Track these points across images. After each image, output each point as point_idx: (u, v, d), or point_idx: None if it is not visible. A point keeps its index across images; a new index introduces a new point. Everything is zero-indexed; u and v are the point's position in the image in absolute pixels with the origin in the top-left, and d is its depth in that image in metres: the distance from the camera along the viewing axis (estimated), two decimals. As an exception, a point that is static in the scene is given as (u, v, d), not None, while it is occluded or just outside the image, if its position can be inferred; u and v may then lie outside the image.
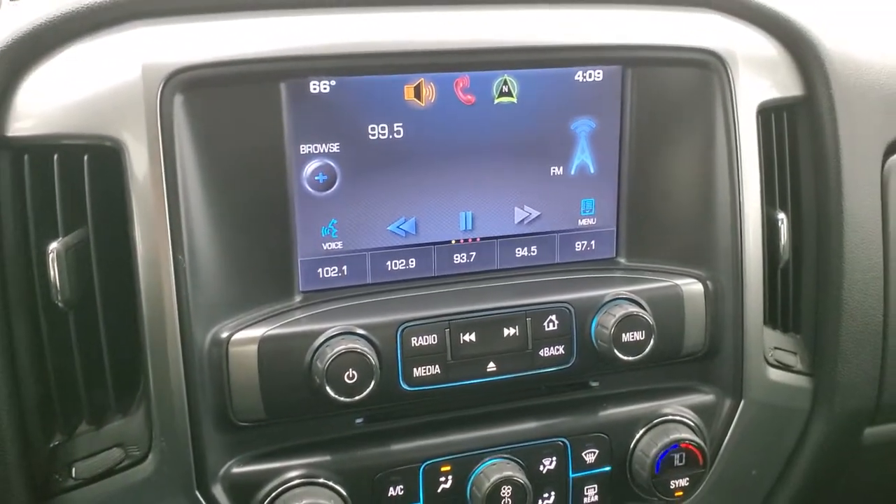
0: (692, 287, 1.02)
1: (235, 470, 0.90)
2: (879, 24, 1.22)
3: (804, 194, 1.10)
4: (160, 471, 0.86)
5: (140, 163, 0.83)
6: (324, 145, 0.92)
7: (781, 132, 1.08)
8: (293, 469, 0.91)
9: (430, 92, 0.94)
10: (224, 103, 0.87)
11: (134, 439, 0.87)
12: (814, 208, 1.10)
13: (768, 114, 1.06)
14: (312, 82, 0.90)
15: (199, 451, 0.87)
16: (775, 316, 1.12)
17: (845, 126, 1.06)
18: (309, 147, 0.92)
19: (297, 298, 0.95)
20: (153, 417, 0.85)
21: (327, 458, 0.92)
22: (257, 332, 0.87)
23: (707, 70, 1.01)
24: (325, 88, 0.90)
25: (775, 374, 1.09)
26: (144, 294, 0.83)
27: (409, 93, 0.94)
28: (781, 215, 1.07)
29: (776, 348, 1.10)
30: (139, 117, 0.82)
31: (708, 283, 1.03)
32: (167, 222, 0.83)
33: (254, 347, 0.87)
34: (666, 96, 1.02)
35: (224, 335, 0.87)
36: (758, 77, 1.04)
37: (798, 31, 1.07)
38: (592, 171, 1.03)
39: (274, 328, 0.88)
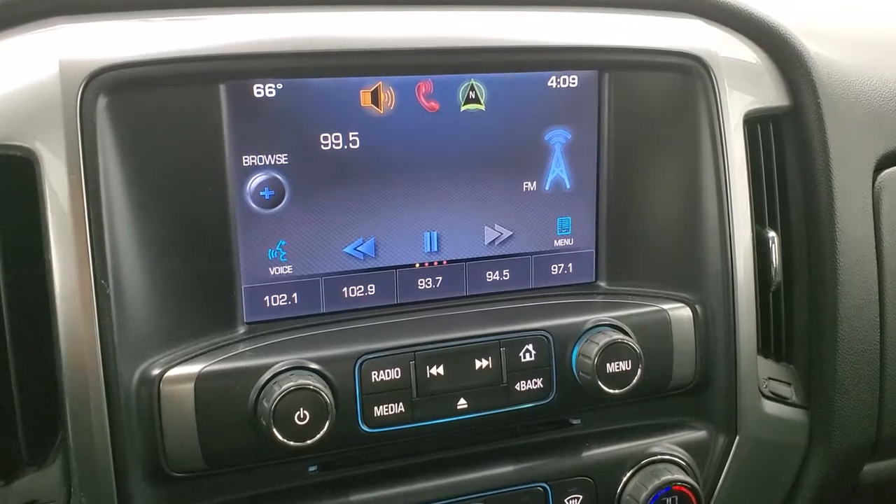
0: (680, 312, 0.95)
1: (170, 529, 0.80)
2: (865, 34, 1.17)
3: (793, 211, 1.05)
4: (80, 532, 0.77)
5: (57, 175, 0.74)
6: (270, 156, 0.84)
7: (768, 144, 1.03)
8: (237, 526, 0.81)
9: (389, 98, 0.86)
10: (155, 108, 0.78)
11: (49, 495, 0.78)
12: (803, 227, 1.04)
13: (753, 124, 1.00)
14: (256, 85, 0.82)
15: (125, 507, 0.78)
16: (767, 344, 1.05)
17: (834, 139, 1.01)
18: (253, 158, 0.83)
19: (241, 330, 0.86)
20: (72, 469, 0.76)
21: (277, 512, 0.83)
22: (194, 368, 0.79)
23: (690, 76, 0.95)
24: (270, 92, 0.82)
25: (771, 407, 1.01)
26: (62, 326, 0.74)
27: (365, 98, 0.86)
28: (772, 234, 1.00)
29: (770, 379, 1.02)
30: (56, 123, 0.74)
31: (697, 307, 0.96)
32: (88, 243, 0.74)
33: (190, 386, 0.78)
34: (646, 105, 0.96)
35: (155, 372, 0.78)
36: (742, 85, 0.98)
37: (782, 39, 1.02)
38: (568, 186, 0.95)
39: (213, 363, 0.79)
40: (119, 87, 0.75)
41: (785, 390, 1.04)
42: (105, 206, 0.75)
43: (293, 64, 0.81)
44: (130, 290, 0.77)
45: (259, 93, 0.82)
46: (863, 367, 1.04)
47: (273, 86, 0.82)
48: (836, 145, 1.01)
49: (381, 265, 0.90)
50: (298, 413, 0.76)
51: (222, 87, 0.80)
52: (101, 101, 0.75)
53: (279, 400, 0.76)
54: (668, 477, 0.92)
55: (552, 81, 0.92)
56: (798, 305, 1.05)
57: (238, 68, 0.80)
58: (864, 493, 1.14)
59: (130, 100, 0.76)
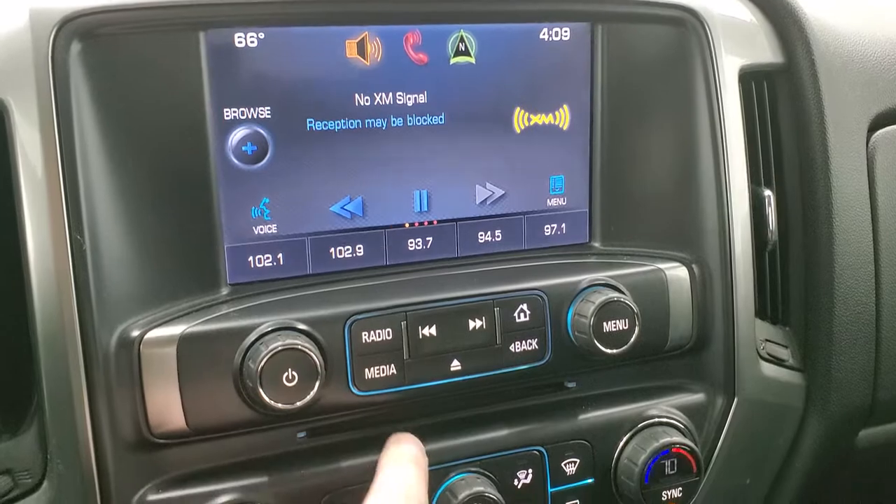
0: (676, 271, 0.92)
1: (152, 497, 0.77)
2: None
3: (787, 171, 1.03)
4: (57, 501, 0.73)
5: (28, 126, 0.71)
6: (252, 109, 0.80)
7: (762, 101, 1.01)
8: (224, 493, 0.78)
9: (375, 49, 0.83)
10: (131, 57, 0.75)
11: (25, 464, 0.75)
12: (798, 186, 1.02)
13: (748, 81, 0.99)
14: (237, 34, 0.78)
15: (105, 475, 0.74)
16: (764, 305, 1.03)
17: (829, 97, 0.99)
18: (234, 111, 0.80)
19: (224, 291, 0.83)
20: (48, 436, 0.73)
21: (264, 479, 0.79)
22: (176, 329, 0.75)
23: (684, 29, 0.92)
24: (252, 42, 0.79)
25: (768, 369, 0.99)
26: (36, 283, 0.71)
27: (351, 49, 0.82)
28: (767, 192, 0.98)
29: (767, 341, 1.00)
30: (27, 71, 0.71)
31: (693, 266, 0.93)
32: (63, 197, 0.71)
33: (172, 348, 0.75)
34: (640, 58, 0.93)
35: (135, 333, 0.74)
36: (736, 41, 0.96)
37: (776, -5, 1.00)
38: (561, 143, 0.92)
39: (196, 324, 0.76)
40: (93, 34, 0.72)
41: (782, 352, 1.02)
42: (80, 158, 0.72)
43: (275, 12, 0.78)
44: (108, 247, 0.74)
45: (240, 42, 0.78)
46: (858, 329, 1.02)
47: (255, 35, 0.78)
48: (831, 104, 0.99)
49: (369, 225, 0.87)
50: (287, 374, 0.73)
51: (202, 36, 0.77)
52: (74, 49, 0.72)
53: (266, 360, 0.72)
54: (667, 440, 0.89)
55: (544, 34, 0.89)
56: (794, 266, 1.04)
57: (217, 16, 0.77)
58: (860, 458, 1.13)
59: (105, 48, 0.73)
